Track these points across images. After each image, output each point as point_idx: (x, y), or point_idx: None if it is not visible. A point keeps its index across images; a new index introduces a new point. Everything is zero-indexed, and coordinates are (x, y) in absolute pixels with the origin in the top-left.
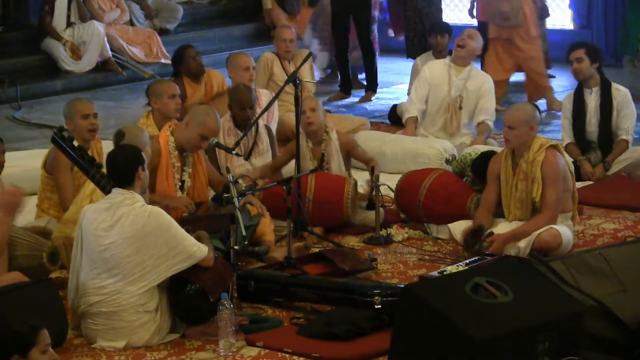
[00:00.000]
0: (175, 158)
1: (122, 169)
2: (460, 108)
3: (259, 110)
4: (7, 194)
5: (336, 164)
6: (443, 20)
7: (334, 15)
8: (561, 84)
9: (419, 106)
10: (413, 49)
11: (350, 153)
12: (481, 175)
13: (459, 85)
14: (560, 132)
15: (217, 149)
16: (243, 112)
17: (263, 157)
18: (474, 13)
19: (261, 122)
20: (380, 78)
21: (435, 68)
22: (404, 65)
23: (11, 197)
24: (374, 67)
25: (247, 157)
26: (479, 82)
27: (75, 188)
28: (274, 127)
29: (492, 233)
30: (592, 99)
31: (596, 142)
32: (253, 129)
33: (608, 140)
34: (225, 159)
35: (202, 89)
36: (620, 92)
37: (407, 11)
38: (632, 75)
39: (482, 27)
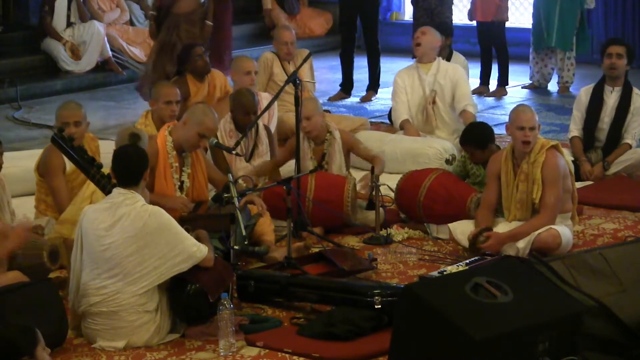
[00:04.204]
0: (173, 158)
1: (135, 167)
2: (434, 102)
3: (258, 113)
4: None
5: (337, 164)
6: (452, 20)
7: (342, 14)
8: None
9: (405, 114)
10: None
11: (352, 151)
12: (473, 143)
13: (430, 82)
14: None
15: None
16: (246, 118)
17: (263, 159)
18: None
19: (261, 123)
20: (381, 78)
21: (405, 75)
22: (405, 65)
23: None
24: (377, 67)
25: (249, 159)
26: (450, 73)
27: (68, 190)
28: (273, 128)
29: (489, 229)
30: (612, 98)
31: (603, 140)
32: (253, 130)
33: (614, 141)
34: (229, 161)
35: (205, 88)
36: None
37: (418, 11)
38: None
39: (482, 28)
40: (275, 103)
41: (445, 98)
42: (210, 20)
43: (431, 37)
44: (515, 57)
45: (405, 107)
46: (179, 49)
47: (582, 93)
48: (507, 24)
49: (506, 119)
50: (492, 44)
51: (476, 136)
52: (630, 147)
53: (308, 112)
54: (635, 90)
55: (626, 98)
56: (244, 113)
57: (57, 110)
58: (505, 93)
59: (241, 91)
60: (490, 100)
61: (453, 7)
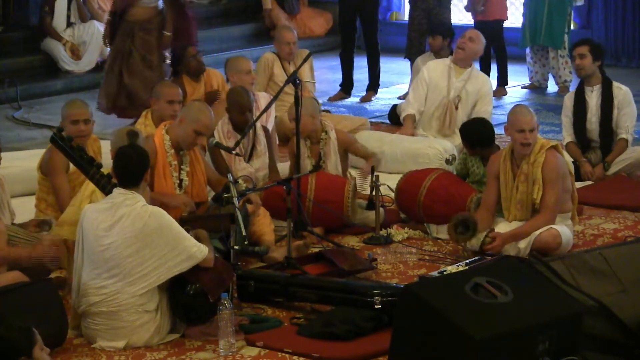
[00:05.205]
0: (172, 157)
1: (135, 168)
2: (457, 108)
3: (257, 113)
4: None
5: (333, 164)
6: (451, 21)
7: (341, 14)
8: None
9: (416, 106)
10: (412, 49)
11: (349, 150)
12: (470, 141)
13: (458, 87)
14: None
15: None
16: (242, 116)
17: (261, 159)
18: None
19: (258, 124)
20: (381, 78)
21: (435, 68)
22: (404, 65)
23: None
24: (377, 68)
25: (248, 160)
26: (479, 84)
27: (70, 189)
28: (270, 128)
29: (492, 230)
30: (593, 97)
31: (597, 140)
32: (251, 130)
33: (608, 139)
34: (229, 162)
35: (201, 88)
36: (621, 91)
37: (415, 11)
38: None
39: (479, 27)
40: (273, 105)
41: (467, 107)
42: (168, 31)
43: (477, 47)
44: (515, 57)
45: (418, 103)
46: (135, 57)
47: (566, 99)
48: (507, 24)
49: (505, 119)
50: (490, 44)
51: (469, 132)
52: (627, 141)
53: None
54: (615, 84)
55: (607, 94)
56: (240, 111)
57: (64, 109)
58: (505, 93)
59: (236, 89)
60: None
61: (452, 7)
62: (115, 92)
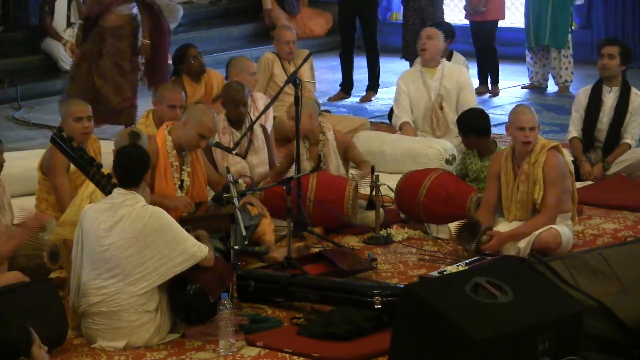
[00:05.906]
0: (173, 157)
1: (136, 168)
2: (442, 108)
3: (255, 114)
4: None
5: (334, 165)
6: (445, 20)
7: (341, 14)
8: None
9: (407, 117)
10: (408, 50)
11: (345, 152)
12: (464, 129)
13: (436, 87)
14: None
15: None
16: (237, 110)
17: (258, 155)
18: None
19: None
20: (380, 78)
21: (409, 78)
22: (404, 65)
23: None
24: (376, 68)
25: (245, 156)
26: (455, 77)
27: (72, 189)
28: (269, 129)
29: (490, 228)
30: (610, 98)
31: (602, 141)
32: (247, 127)
33: (613, 141)
34: (221, 156)
35: (202, 88)
36: (638, 98)
37: (408, 11)
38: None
39: (474, 27)
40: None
41: (452, 102)
42: (146, 39)
43: (437, 42)
44: (515, 57)
45: (405, 112)
46: (106, 60)
47: (581, 94)
48: (505, 24)
49: (506, 119)
50: (487, 44)
51: (464, 120)
52: (630, 147)
53: (294, 113)
54: (633, 90)
55: (624, 98)
56: (234, 106)
57: (64, 108)
58: (498, 91)
59: (230, 84)
60: (490, 100)
61: (452, 7)
62: (90, 97)
